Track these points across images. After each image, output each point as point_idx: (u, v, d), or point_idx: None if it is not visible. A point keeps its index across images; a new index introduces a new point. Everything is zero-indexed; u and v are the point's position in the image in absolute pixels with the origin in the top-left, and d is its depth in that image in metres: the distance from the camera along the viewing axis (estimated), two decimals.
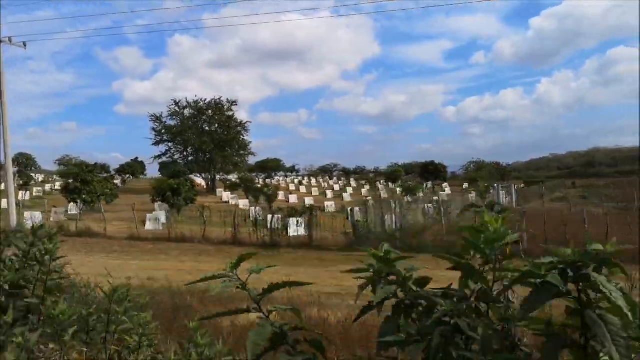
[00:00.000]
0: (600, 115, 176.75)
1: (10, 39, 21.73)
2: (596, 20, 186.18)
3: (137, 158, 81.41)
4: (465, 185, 65.13)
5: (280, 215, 21.84)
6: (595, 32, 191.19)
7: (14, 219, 21.71)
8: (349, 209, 30.11)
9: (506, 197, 37.55)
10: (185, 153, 56.91)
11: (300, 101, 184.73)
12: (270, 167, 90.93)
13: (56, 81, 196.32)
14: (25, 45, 22.43)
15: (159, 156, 57.62)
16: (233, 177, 58.52)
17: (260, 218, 21.71)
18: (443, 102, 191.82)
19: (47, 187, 54.44)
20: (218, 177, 58.38)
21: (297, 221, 19.94)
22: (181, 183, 28.96)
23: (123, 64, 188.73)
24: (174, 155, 57.10)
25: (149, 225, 27.16)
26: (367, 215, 18.39)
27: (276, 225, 19.72)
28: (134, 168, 77.13)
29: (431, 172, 65.86)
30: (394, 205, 18.59)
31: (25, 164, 78.93)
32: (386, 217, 18.81)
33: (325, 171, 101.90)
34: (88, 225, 25.14)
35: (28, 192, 43.40)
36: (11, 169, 22.52)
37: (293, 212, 21.25)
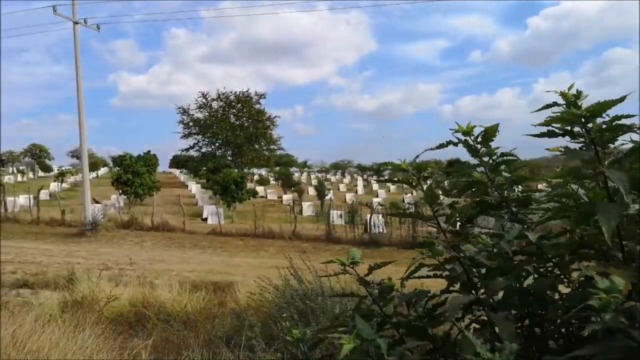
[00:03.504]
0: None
1: (85, 21, 20.57)
2: (593, 21, 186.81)
3: (149, 151, 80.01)
4: None
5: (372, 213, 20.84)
6: (592, 33, 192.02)
7: (89, 212, 20.60)
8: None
9: None
10: (213, 146, 55.64)
11: (296, 97, 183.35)
12: (284, 162, 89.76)
13: (51, 73, 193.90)
14: (98, 27, 21.26)
15: (187, 149, 56.49)
16: (262, 172, 57.50)
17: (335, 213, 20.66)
18: (439, 101, 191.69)
19: (72, 178, 53.27)
20: (245, 170, 57.29)
21: (400, 218, 18.97)
22: (244, 176, 27.87)
23: (119, 56, 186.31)
24: (201, 149, 55.91)
25: (210, 220, 26.07)
26: None
27: (377, 223, 18.70)
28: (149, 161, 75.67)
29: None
30: None
31: (38, 155, 77.25)
32: None
33: (338, 167, 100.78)
34: (141, 217, 23.91)
35: (59, 184, 42.11)
36: (87, 163, 21.35)
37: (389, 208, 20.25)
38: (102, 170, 67.27)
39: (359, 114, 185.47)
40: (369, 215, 20.12)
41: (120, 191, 29.38)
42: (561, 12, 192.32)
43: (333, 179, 73.61)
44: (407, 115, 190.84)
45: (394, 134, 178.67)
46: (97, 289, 8.92)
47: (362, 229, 20.64)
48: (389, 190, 58.12)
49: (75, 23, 19.94)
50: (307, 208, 33.17)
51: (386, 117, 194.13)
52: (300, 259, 17.65)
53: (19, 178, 53.98)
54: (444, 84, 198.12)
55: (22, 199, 28.08)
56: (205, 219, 26.72)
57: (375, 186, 61.62)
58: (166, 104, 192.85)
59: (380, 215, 19.16)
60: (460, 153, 2.02)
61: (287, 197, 38.73)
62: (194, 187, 45.76)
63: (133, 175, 29.39)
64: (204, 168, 49.43)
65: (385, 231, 18.72)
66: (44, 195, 31.22)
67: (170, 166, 78.03)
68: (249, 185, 50.02)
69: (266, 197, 42.02)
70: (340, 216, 21.93)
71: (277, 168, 66.95)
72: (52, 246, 17.65)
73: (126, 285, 10.13)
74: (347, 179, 75.96)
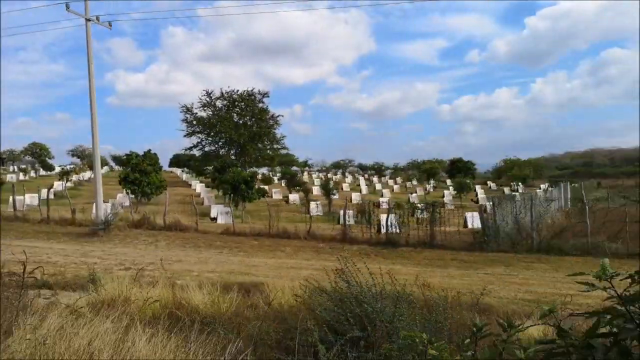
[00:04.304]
0: (593, 116, 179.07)
1: (97, 18, 20.31)
2: (591, 21, 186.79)
3: (149, 150, 79.66)
4: (491, 183, 64.12)
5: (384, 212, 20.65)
6: (589, 33, 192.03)
7: (101, 211, 20.36)
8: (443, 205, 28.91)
9: (563, 195, 36.37)
10: (217, 145, 55.35)
11: (295, 96, 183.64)
12: (285, 162, 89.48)
13: (48, 72, 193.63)
14: (110, 24, 21.00)
15: (191, 148, 56.27)
16: (263, 171, 57.21)
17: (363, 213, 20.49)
18: (437, 100, 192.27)
19: (75, 177, 52.92)
20: (251, 170, 57.05)
21: (417, 219, 18.80)
22: (254, 175, 27.63)
23: (116, 55, 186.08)
24: (204, 148, 55.65)
25: (220, 219, 25.86)
26: (494, 212, 17.24)
27: (391, 223, 18.49)
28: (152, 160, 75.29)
29: (459, 168, 64.61)
30: (527, 202, 17.47)
31: (39, 153, 76.84)
32: (500, 215, 17.71)
33: (339, 167, 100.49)
34: (153, 216, 23.63)
35: (64, 182, 41.79)
36: (99, 162, 21.01)
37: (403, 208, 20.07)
38: (103, 170, 66.94)
39: (358, 113, 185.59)
40: (383, 215, 19.94)
41: (130, 190, 29.08)
42: (559, 12, 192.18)
43: (334, 178, 73.32)
44: (405, 114, 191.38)
45: (393, 133, 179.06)
46: (128, 290, 8.74)
47: (376, 229, 20.42)
48: (393, 190, 57.96)
49: (88, 20, 19.69)
50: (315, 208, 32.96)
51: (384, 117, 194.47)
52: (320, 259, 17.37)
53: (21, 177, 53.58)
54: (442, 83, 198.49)
55: (29, 198, 27.80)
56: (214, 219, 26.50)
57: (378, 186, 61.46)
58: (164, 103, 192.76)
59: (396, 215, 18.97)
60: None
61: (293, 197, 38.53)
62: (198, 186, 45.52)
63: (140, 174, 29.14)
64: (209, 167, 49.16)
65: (400, 231, 18.52)
66: (49, 194, 30.93)
67: (170, 165, 77.85)
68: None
69: (271, 197, 41.75)
70: (357, 216, 21.76)
71: (278, 167, 66.72)
72: (65, 246, 17.42)
73: (151, 285, 9.93)
74: (348, 179, 75.76)
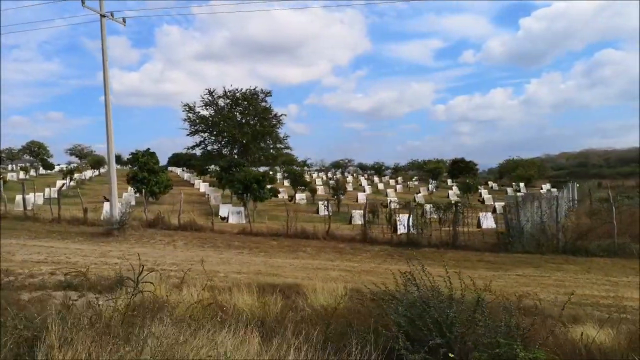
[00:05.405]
0: (587, 117, 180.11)
1: (112, 14, 19.96)
2: (586, 22, 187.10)
3: (148, 149, 79.08)
4: (492, 183, 64.07)
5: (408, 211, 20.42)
6: (584, 34, 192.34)
7: (116, 211, 20.03)
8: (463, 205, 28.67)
9: (570, 196, 36.31)
10: (219, 144, 54.91)
11: (290, 96, 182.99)
12: (286, 161, 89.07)
13: (42, 70, 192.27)
14: (124, 21, 20.65)
15: (193, 147, 55.77)
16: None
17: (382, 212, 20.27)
18: (432, 101, 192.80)
19: (76, 175, 52.38)
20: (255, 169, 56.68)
21: (440, 219, 18.58)
22: (265, 175, 27.37)
23: (110, 53, 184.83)
24: (207, 147, 55.21)
25: (231, 219, 25.54)
26: (517, 212, 17.06)
27: (414, 223, 18.24)
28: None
29: (461, 169, 64.52)
30: (552, 203, 17.30)
31: (37, 152, 76.15)
32: (522, 215, 17.52)
33: (338, 166, 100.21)
34: (167, 216, 23.26)
35: (68, 181, 41.31)
36: (114, 161, 20.69)
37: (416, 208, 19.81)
38: (104, 169, 66.35)
39: (354, 113, 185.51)
40: (401, 216, 19.72)
41: (142, 190, 28.67)
42: (553, 13, 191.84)
43: (336, 177, 72.98)
44: (401, 114, 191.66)
45: (389, 133, 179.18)
46: (169, 292, 8.50)
47: (392, 229, 20.16)
48: (396, 190, 57.79)
49: (103, 16, 19.33)
50: (322, 207, 32.67)
51: (380, 117, 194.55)
52: (344, 260, 16.96)
53: (22, 175, 53.00)
54: (437, 83, 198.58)
55: (35, 197, 27.42)
56: (225, 218, 26.17)
57: (380, 186, 61.27)
58: (159, 102, 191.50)
59: (412, 215, 18.74)
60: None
61: (299, 196, 38.25)
62: (202, 185, 45.15)
63: (149, 173, 28.78)
64: (214, 166, 48.73)
65: (422, 232, 18.29)
66: (53, 193, 30.50)
67: (169, 164, 77.32)
68: None
69: (277, 196, 41.44)
70: (372, 216, 21.54)
71: (278, 167, 66.31)
72: (81, 246, 17.07)
73: (184, 287, 9.63)
74: (348, 178, 75.51)
